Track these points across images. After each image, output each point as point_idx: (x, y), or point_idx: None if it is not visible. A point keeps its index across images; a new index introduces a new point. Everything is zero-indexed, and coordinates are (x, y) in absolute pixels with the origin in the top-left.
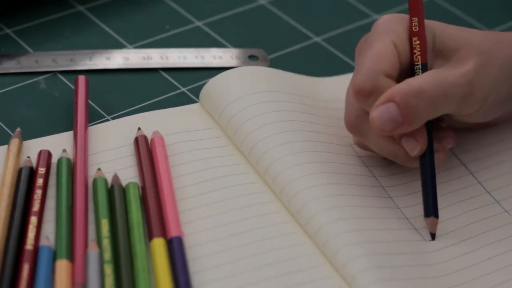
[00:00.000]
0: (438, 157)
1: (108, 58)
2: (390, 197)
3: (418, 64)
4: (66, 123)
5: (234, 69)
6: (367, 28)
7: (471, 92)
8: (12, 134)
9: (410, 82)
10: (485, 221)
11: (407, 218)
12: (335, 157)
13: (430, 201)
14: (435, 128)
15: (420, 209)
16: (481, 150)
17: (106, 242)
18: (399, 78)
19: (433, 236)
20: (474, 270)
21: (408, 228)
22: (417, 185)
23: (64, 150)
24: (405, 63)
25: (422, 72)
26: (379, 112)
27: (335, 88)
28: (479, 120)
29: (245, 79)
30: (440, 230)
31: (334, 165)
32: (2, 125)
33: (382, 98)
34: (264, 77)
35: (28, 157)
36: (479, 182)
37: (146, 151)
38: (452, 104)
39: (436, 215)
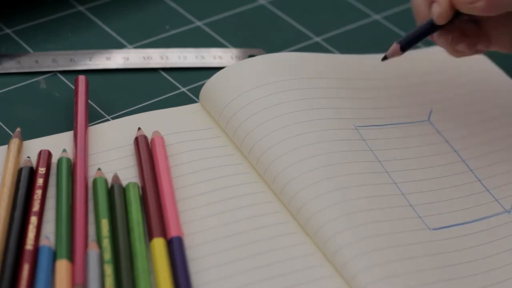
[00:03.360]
0: (461, 46)
1: (108, 58)
2: (394, 183)
3: None
4: (66, 123)
5: (232, 65)
6: (367, 28)
7: None
8: (12, 134)
9: None
10: (485, 219)
11: (411, 205)
12: (338, 145)
13: (411, 35)
14: (474, 30)
15: (424, 195)
16: (481, 148)
17: (106, 242)
18: None
19: (383, 58)
20: (474, 266)
21: (412, 216)
22: (421, 172)
23: (64, 150)
24: None
25: None
26: None
27: (345, 66)
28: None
29: (242, 76)
30: (443, 221)
31: (336, 154)
32: (2, 125)
33: None
34: (261, 70)
35: (28, 157)
36: (479, 180)
37: (146, 151)
38: None
39: (403, 47)
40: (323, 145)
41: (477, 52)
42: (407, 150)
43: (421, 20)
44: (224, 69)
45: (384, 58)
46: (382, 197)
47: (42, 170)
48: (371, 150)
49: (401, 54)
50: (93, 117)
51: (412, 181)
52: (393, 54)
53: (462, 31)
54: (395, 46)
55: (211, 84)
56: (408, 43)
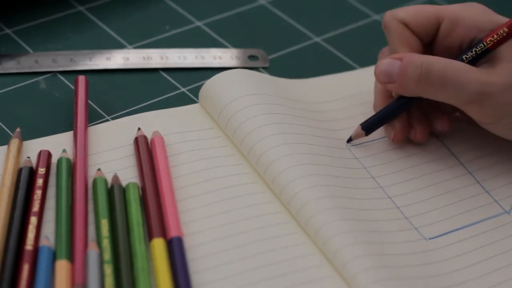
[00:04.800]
0: (413, 133)
1: (108, 58)
2: (389, 197)
3: (481, 45)
4: (66, 123)
5: (231, 70)
6: (367, 28)
7: (481, 102)
8: (12, 134)
9: (431, 57)
10: (485, 221)
11: (406, 218)
12: (333, 160)
13: (374, 119)
14: (435, 108)
15: (419, 206)
16: (479, 149)
17: (106, 242)
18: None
19: (348, 140)
20: (474, 269)
21: (408, 228)
22: (415, 183)
23: (64, 150)
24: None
25: (476, 54)
26: (385, 62)
27: (333, 89)
28: (499, 134)
29: (243, 81)
30: (440, 229)
31: (333, 168)
32: (2, 125)
33: (399, 54)
34: (260, 80)
35: (28, 157)
36: (478, 182)
37: (146, 151)
38: (448, 98)
39: (366, 131)
40: (320, 157)
41: (433, 132)
42: (402, 161)
43: (377, 107)
44: (224, 72)
45: (349, 140)
46: (378, 211)
47: (42, 170)
48: (364, 168)
49: (366, 135)
50: (93, 117)
51: (407, 193)
52: (358, 136)
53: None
54: (359, 130)
55: (211, 84)
56: (370, 127)
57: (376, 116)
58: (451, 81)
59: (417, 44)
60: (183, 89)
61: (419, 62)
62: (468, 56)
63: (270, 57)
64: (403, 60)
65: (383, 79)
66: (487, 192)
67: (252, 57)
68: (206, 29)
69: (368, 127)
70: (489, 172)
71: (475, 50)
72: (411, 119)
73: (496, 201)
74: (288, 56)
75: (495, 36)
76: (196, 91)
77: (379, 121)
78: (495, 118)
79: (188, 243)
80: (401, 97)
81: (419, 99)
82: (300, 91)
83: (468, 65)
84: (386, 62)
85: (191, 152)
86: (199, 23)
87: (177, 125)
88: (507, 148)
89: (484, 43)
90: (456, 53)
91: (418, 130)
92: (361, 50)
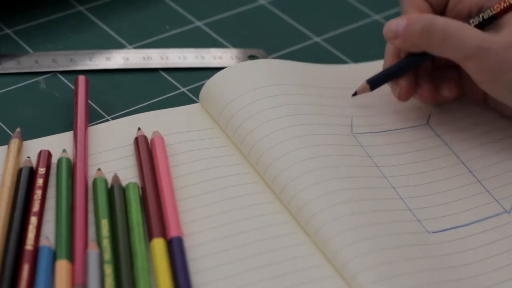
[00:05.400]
0: (420, 92)
1: (108, 58)
2: (393, 188)
3: (488, 11)
4: (66, 123)
5: (231, 66)
6: (367, 28)
7: (480, 57)
8: (12, 134)
9: (435, 15)
10: (485, 220)
11: (409, 209)
12: (337, 149)
13: (381, 75)
14: (443, 74)
15: (423, 199)
16: (480, 148)
17: (106, 242)
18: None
19: (353, 94)
20: (474, 268)
21: (411, 220)
22: (417, 178)
23: (64, 150)
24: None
25: (482, 19)
26: (393, 21)
27: (341, 75)
28: (496, 95)
29: (243, 77)
30: (442, 224)
31: (336, 158)
32: (2, 125)
33: (408, 14)
34: (262, 72)
35: (28, 157)
36: (479, 181)
37: (146, 151)
38: (448, 52)
39: (372, 86)
40: (322, 148)
41: (439, 99)
42: (406, 155)
43: (387, 65)
44: (225, 69)
45: (354, 94)
46: (381, 200)
47: (42, 170)
48: (369, 156)
49: (371, 91)
50: (93, 117)
51: (411, 185)
52: (363, 91)
53: (421, 81)
54: (364, 84)
55: (211, 84)
56: (375, 82)
57: (383, 72)
58: (452, 35)
59: (428, 11)
60: (183, 89)
61: (423, 17)
62: (474, 21)
63: (270, 57)
64: (409, 17)
65: (389, 35)
66: (487, 191)
67: (252, 57)
68: (206, 29)
69: (374, 82)
70: (490, 172)
71: (482, 16)
72: (418, 79)
73: (496, 200)
74: (288, 56)
75: (502, 3)
76: (196, 91)
77: (385, 77)
78: (492, 75)
79: (188, 243)
80: (408, 56)
81: (426, 58)
82: (307, 75)
83: (470, 26)
84: (394, 20)
85: (191, 152)
86: (199, 23)
87: (177, 125)
88: (507, 147)
89: (491, 9)
90: (464, 22)
91: (424, 89)
92: (361, 50)
